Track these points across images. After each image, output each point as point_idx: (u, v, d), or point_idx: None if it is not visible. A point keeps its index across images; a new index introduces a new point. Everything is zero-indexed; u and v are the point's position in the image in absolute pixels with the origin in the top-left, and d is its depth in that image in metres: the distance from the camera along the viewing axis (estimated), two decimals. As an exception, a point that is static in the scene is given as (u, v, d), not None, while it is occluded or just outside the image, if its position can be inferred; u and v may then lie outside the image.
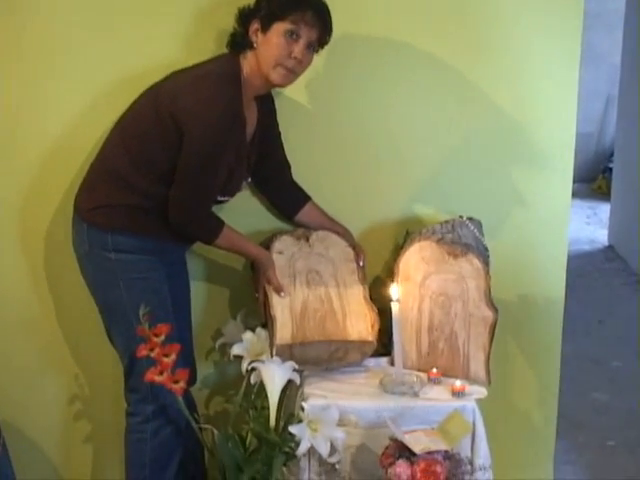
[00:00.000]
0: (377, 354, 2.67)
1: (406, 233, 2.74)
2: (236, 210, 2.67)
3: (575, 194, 2.98)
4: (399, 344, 2.50)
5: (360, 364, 2.62)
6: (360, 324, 2.62)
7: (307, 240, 2.66)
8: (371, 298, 2.66)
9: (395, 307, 2.46)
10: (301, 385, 2.52)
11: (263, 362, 2.45)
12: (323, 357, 2.57)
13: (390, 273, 2.66)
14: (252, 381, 2.51)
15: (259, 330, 2.62)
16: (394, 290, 2.48)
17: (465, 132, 2.76)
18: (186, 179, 2.36)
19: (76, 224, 2.51)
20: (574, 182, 2.82)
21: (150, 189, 2.41)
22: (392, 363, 2.60)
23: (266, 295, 2.59)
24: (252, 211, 2.76)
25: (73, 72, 2.61)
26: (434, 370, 2.57)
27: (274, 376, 2.40)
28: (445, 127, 2.75)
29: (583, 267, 5.63)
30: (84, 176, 2.54)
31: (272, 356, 2.52)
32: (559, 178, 2.79)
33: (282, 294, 2.59)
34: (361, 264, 2.67)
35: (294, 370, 2.46)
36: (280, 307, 2.58)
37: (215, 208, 2.50)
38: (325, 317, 2.62)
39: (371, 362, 2.65)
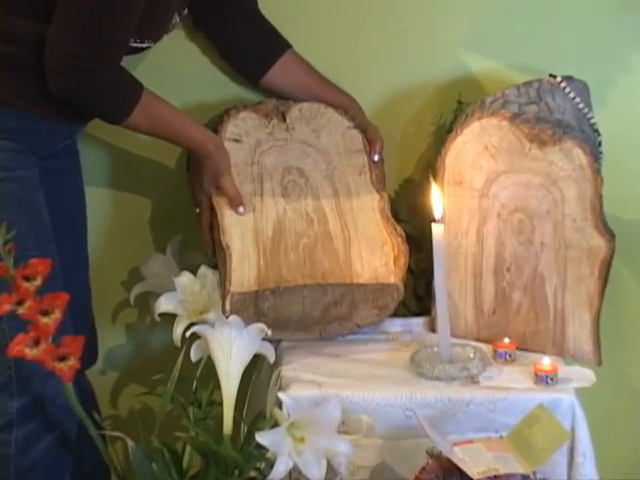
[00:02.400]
0: (407, 312, 2.74)
1: (457, 105, 2.77)
2: (162, 68, 2.74)
3: None
4: (444, 294, 2.52)
5: (377, 327, 2.68)
6: (375, 257, 2.67)
7: (283, 119, 2.71)
8: (396, 218, 2.71)
9: (438, 231, 2.47)
10: (277, 364, 2.55)
11: (211, 325, 2.44)
12: (313, 315, 2.61)
13: (430, 173, 2.68)
14: (193, 358, 2.50)
15: (204, 270, 2.66)
16: (437, 202, 2.49)
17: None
18: (75, 9, 2.36)
19: None
20: None
21: (6, 26, 2.42)
22: (432, 327, 2.67)
23: (214, 211, 2.62)
24: (191, 70, 2.82)
25: None
26: (505, 340, 2.60)
27: (230, 349, 2.39)
28: None
29: None
30: None
31: (226, 314, 2.51)
32: None
33: (241, 209, 2.62)
34: (376, 158, 2.73)
35: (264, 338, 2.44)
36: (238, 231, 2.61)
37: (127, 63, 2.49)
38: (315, 246, 2.67)
39: (396, 324, 2.72)
